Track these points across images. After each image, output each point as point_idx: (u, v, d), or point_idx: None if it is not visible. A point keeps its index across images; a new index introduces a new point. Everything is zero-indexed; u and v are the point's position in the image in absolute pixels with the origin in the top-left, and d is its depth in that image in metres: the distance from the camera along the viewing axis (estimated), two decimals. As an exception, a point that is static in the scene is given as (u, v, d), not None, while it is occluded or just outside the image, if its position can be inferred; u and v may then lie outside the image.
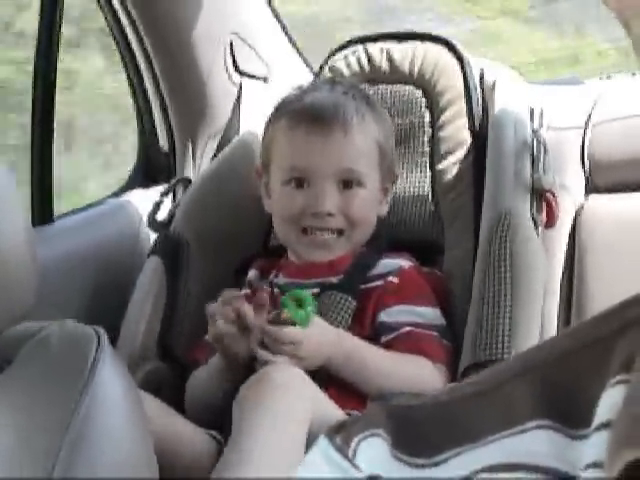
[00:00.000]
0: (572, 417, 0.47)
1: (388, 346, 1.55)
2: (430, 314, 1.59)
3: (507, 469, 0.48)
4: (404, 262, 1.63)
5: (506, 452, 0.48)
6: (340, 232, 1.62)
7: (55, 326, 0.92)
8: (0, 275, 0.87)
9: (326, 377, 1.49)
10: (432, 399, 0.54)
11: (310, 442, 1.33)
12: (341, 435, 0.54)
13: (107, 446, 0.82)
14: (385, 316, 1.58)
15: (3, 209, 0.90)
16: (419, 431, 0.51)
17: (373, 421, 0.53)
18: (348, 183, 1.61)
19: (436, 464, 0.50)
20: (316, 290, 1.61)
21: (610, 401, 0.45)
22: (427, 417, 0.52)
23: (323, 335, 1.49)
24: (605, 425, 0.45)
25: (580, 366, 0.48)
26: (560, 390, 0.48)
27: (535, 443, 0.47)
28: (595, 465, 0.44)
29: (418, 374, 1.51)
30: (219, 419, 1.48)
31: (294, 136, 1.62)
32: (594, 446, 0.45)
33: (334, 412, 1.44)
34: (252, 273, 1.73)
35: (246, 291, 1.69)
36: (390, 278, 1.60)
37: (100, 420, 0.83)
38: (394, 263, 1.63)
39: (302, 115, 1.62)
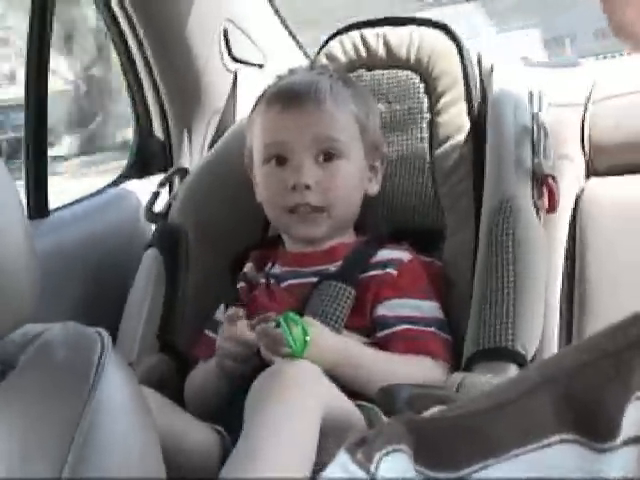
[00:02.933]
0: (596, 430, 0.47)
1: (386, 341, 1.54)
2: (428, 308, 1.58)
3: None
4: (404, 254, 1.62)
5: (531, 467, 0.47)
6: (321, 209, 1.61)
7: (58, 329, 0.91)
8: (1, 279, 0.85)
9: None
10: (453, 411, 0.53)
11: (323, 437, 1.32)
12: (362, 450, 0.53)
13: (115, 450, 0.81)
14: (383, 309, 1.56)
15: (1, 210, 0.88)
16: (441, 445, 0.51)
17: (395, 436, 0.52)
18: (329, 155, 1.60)
19: (460, 479, 0.49)
20: (314, 279, 1.59)
21: (637, 414, 0.45)
22: (449, 431, 0.51)
23: (326, 345, 1.46)
24: (635, 440, 0.44)
25: (600, 378, 0.48)
26: (582, 403, 0.48)
27: (560, 457, 0.47)
28: None
29: (421, 374, 1.49)
30: (220, 415, 1.47)
31: (269, 115, 1.63)
32: (623, 460, 0.45)
33: (348, 408, 1.43)
34: (248, 266, 1.71)
35: (242, 285, 1.68)
36: (389, 270, 1.58)
37: (107, 425, 0.82)
38: (394, 254, 1.61)
39: (276, 96, 1.64)
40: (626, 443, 0.45)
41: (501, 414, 0.50)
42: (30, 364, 0.87)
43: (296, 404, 1.32)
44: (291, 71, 1.73)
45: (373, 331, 1.56)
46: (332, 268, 1.61)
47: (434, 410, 0.56)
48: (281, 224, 1.67)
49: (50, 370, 0.86)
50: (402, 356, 1.51)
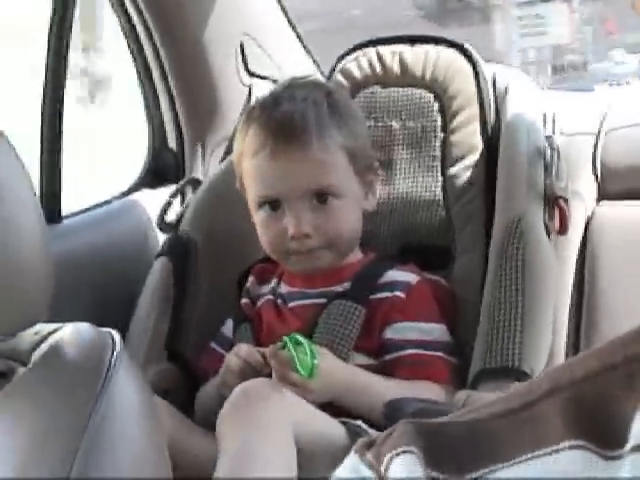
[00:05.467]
0: (605, 437, 0.47)
1: (392, 365, 1.54)
2: (436, 331, 1.57)
3: None
4: (411, 277, 1.60)
5: (540, 472, 0.47)
6: (323, 247, 1.58)
7: (69, 329, 0.91)
8: (16, 277, 0.86)
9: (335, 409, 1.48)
10: (463, 416, 0.54)
11: (299, 450, 1.34)
12: (372, 452, 0.54)
13: (123, 451, 0.81)
14: (391, 332, 1.55)
15: (19, 209, 0.89)
16: (451, 449, 0.51)
17: (405, 438, 0.53)
18: (322, 197, 1.56)
19: None
20: (322, 300, 1.59)
21: None
22: (459, 435, 0.52)
23: (333, 373, 1.47)
24: None
25: (609, 386, 0.48)
26: (591, 410, 0.48)
27: (569, 463, 0.47)
28: None
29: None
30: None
31: (257, 162, 1.58)
32: (632, 467, 0.45)
33: (323, 423, 1.44)
34: (250, 281, 1.71)
35: (245, 301, 1.68)
36: (397, 293, 1.57)
37: (116, 425, 0.82)
38: (402, 277, 1.60)
39: (263, 137, 1.57)
40: (635, 450, 0.45)
41: (511, 420, 0.51)
42: (42, 362, 0.87)
43: (264, 421, 1.34)
44: (274, 96, 1.64)
45: (380, 353, 1.56)
46: (340, 288, 1.60)
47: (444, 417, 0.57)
48: (283, 262, 1.64)
49: (61, 368, 0.86)
50: (408, 382, 1.51)
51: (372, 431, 1.43)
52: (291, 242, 1.56)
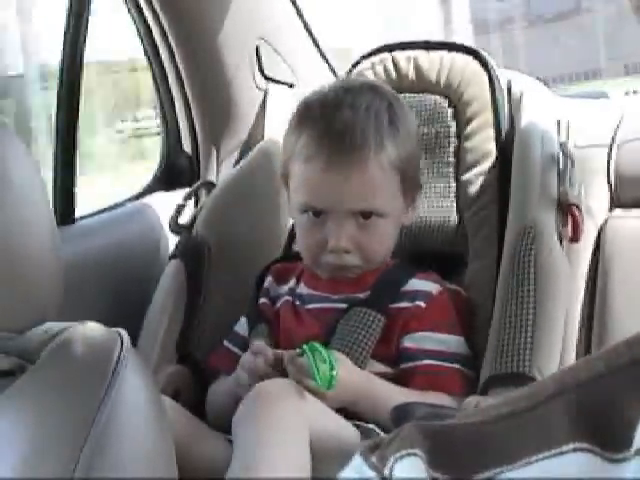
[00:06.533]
0: (610, 440, 0.47)
1: (408, 374, 1.53)
2: (454, 343, 1.57)
3: None
4: (434, 287, 1.59)
5: (544, 474, 0.47)
6: (358, 263, 1.58)
7: (78, 327, 0.92)
8: (26, 275, 0.86)
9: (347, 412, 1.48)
10: (467, 419, 0.54)
11: (311, 453, 1.34)
12: (376, 454, 0.54)
13: (129, 448, 0.82)
14: (409, 341, 1.55)
15: (31, 209, 0.90)
16: (456, 451, 0.51)
17: (409, 441, 0.53)
18: (368, 215, 1.55)
19: None
20: (343, 305, 1.58)
21: None
22: (464, 437, 0.52)
23: (350, 381, 1.46)
24: None
25: (615, 389, 0.48)
26: (596, 413, 0.48)
27: (573, 466, 0.47)
28: None
29: None
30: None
31: (310, 172, 1.55)
32: (636, 470, 0.45)
33: (337, 424, 1.43)
34: (268, 281, 1.71)
35: (264, 301, 1.68)
36: (418, 302, 1.57)
37: (123, 422, 0.82)
38: (424, 286, 1.59)
39: (319, 145, 1.53)
40: (639, 452, 0.45)
41: (516, 422, 0.51)
42: (50, 360, 0.88)
43: (281, 422, 1.33)
44: (336, 97, 1.58)
45: (397, 362, 1.55)
46: (361, 295, 1.59)
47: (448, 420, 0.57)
48: (314, 267, 1.63)
49: (69, 366, 0.87)
50: (421, 393, 1.50)
51: (384, 435, 1.43)
52: (329, 254, 1.56)
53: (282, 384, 1.41)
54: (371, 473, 0.53)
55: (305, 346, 1.44)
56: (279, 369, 1.46)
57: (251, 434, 1.33)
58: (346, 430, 1.43)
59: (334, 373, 1.41)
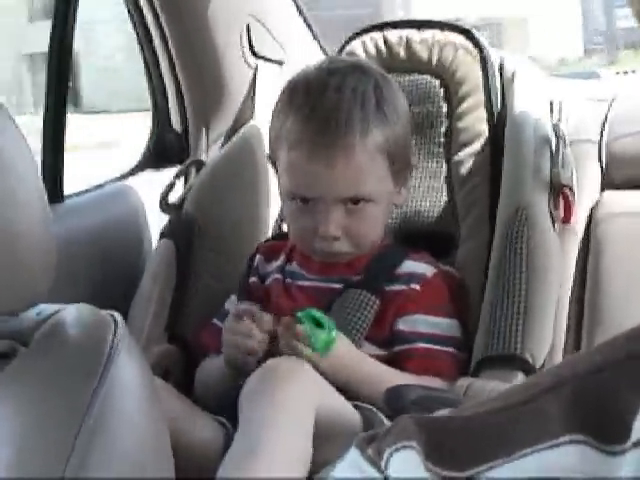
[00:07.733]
0: (606, 433, 0.47)
1: (402, 356, 1.53)
2: (448, 326, 1.57)
3: None
4: (428, 269, 1.59)
5: (540, 466, 0.48)
6: (348, 249, 1.57)
7: (71, 310, 0.91)
8: (18, 256, 0.85)
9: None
10: (463, 411, 0.54)
11: (317, 433, 1.33)
12: (372, 446, 0.54)
13: (125, 432, 0.81)
14: (403, 324, 1.55)
15: (20, 185, 0.88)
16: (452, 443, 0.51)
17: (405, 433, 0.53)
18: (356, 201, 1.53)
19: (469, 478, 0.49)
20: (339, 286, 1.58)
21: None
22: (460, 430, 0.52)
23: (346, 352, 1.47)
24: None
25: (612, 383, 0.48)
26: (593, 405, 0.48)
27: (569, 458, 0.47)
28: None
29: None
30: (228, 407, 1.47)
31: (295, 160, 1.52)
32: (633, 461, 0.45)
33: (341, 406, 1.43)
34: (257, 259, 1.70)
35: (253, 279, 1.67)
36: (413, 285, 1.56)
37: (118, 407, 0.82)
38: (418, 268, 1.58)
39: (304, 132, 1.51)
40: (637, 445, 0.46)
41: (512, 415, 0.51)
42: (43, 342, 0.87)
43: (289, 400, 1.32)
44: (321, 80, 1.54)
45: (390, 344, 1.55)
46: (355, 277, 1.58)
47: (444, 412, 0.57)
48: (307, 251, 1.61)
49: (63, 349, 0.86)
50: (414, 376, 1.50)
51: (382, 416, 1.43)
52: (318, 241, 1.54)
53: (292, 362, 1.40)
54: (368, 466, 0.54)
55: (300, 313, 1.43)
56: (272, 336, 1.47)
57: (257, 413, 1.32)
58: (350, 411, 1.43)
59: (333, 335, 1.41)
